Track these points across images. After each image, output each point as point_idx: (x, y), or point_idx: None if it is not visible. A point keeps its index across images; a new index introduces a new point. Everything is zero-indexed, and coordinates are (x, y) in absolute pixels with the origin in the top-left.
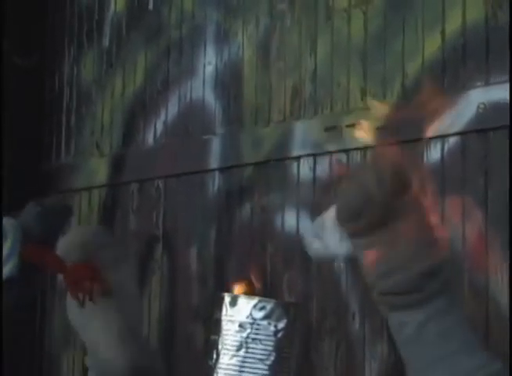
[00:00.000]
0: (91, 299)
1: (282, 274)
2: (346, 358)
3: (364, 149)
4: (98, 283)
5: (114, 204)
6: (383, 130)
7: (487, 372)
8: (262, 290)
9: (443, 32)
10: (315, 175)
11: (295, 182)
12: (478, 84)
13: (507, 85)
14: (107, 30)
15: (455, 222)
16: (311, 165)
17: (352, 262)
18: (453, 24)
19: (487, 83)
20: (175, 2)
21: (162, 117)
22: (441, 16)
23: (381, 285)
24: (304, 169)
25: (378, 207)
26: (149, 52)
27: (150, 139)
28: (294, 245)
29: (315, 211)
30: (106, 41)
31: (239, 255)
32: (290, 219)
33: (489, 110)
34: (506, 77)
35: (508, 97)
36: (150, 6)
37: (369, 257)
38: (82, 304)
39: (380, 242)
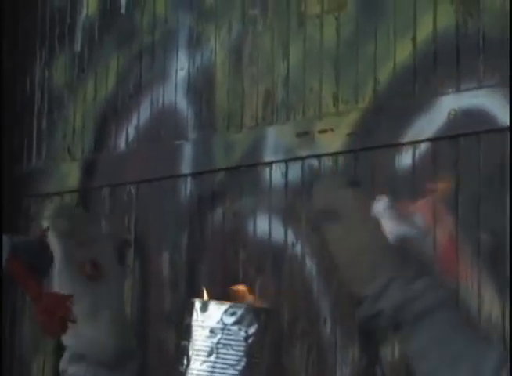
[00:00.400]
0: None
1: (254, 279)
2: (317, 362)
3: (335, 154)
4: (68, 313)
5: (86, 208)
6: (354, 136)
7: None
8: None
9: (414, 39)
10: (287, 180)
11: (267, 188)
12: (449, 90)
13: (477, 92)
14: (79, 33)
15: (426, 227)
16: (283, 171)
17: (323, 267)
18: (424, 31)
19: (457, 89)
20: (148, 7)
21: (134, 121)
22: (412, 22)
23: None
24: (276, 175)
25: None
26: (122, 56)
27: (122, 144)
28: (266, 250)
29: (287, 216)
30: (78, 45)
31: (211, 260)
32: (262, 225)
33: (460, 117)
34: (476, 83)
35: (479, 103)
36: (123, 10)
37: None
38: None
39: None
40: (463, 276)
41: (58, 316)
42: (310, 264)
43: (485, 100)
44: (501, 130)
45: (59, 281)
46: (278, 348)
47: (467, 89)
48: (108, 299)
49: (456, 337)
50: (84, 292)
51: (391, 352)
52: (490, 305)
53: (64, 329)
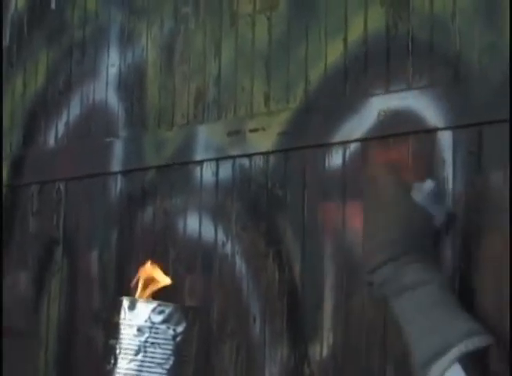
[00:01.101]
0: None
1: (183, 278)
2: (246, 361)
3: (266, 154)
4: None
5: (14, 205)
6: (285, 135)
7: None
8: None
9: (345, 40)
10: (217, 179)
11: (198, 186)
12: (379, 91)
13: (406, 93)
14: (7, 28)
15: (355, 227)
16: (214, 169)
17: (253, 265)
18: (355, 33)
19: (387, 91)
20: (79, 2)
21: (64, 118)
22: (343, 24)
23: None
24: (206, 173)
25: None
26: (51, 51)
27: (51, 141)
28: (196, 249)
29: (218, 215)
30: (6, 40)
31: (141, 259)
32: (192, 223)
33: (389, 118)
34: (405, 85)
35: (408, 104)
36: (53, 5)
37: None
38: None
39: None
40: None
41: None
42: (240, 263)
43: (414, 102)
44: (429, 131)
45: None
46: (207, 347)
47: (397, 91)
48: None
49: (433, 310)
50: None
51: (319, 351)
52: None
53: None
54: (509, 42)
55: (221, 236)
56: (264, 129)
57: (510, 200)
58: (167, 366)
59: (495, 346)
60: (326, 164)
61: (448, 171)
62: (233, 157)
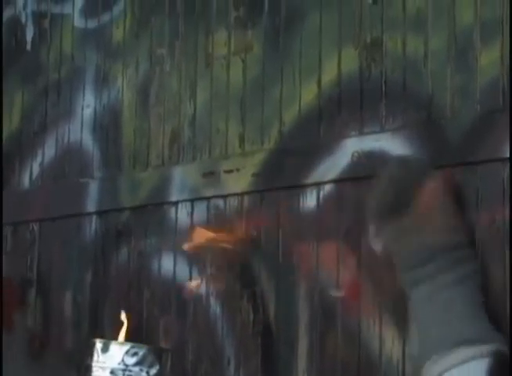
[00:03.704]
0: None
1: (158, 319)
2: None
3: (241, 194)
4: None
5: None
6: (260, 176)
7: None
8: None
9: (319, 81)
10: (192, 220)
11: (172, 227)
12: (353, 133)
13: (379, 135)
14: None
15: (330, 268)
16: (189, 210)
17: (228, 306)
18: (329, 74)
19: (361, 132)
20: (54, 43)
21: (39, 159)
22: (317, 66)
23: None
24: (181, 214)
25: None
26: (27, 92)
27: (26, 181)
28: (171, 290)
29: (192, 255)
30: None
31: (115, 300)
32: (166, 264)
33: (363, 159)
34: (379, 127)
35: (381, 146)
36: (28, 47)
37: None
38: None
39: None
40: (365, 315)
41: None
42: (214, 304)
43: (387, 143)
44: None
45: None
46: None
47: (370, 133)
48: None
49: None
50: None
51: None
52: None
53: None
54: (478, 85)
55: (195, 277)
56: (238, 170)
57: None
58: None
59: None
60: (301, 205)
61: None
62: (208, 198)
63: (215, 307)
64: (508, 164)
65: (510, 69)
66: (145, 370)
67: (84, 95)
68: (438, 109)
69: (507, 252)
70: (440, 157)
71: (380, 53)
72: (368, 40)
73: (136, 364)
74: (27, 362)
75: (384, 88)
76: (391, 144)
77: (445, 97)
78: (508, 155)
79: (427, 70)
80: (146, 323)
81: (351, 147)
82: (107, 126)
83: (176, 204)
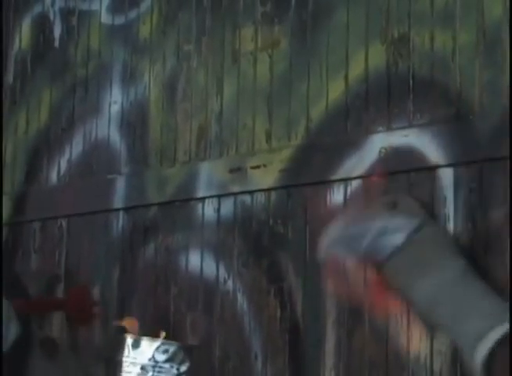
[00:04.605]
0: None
1: (185, 315)
2: None
3: (268, 190)
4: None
5: (16, 243)
6: (287, 172)
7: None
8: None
9: (346, 77)
10: (219, 216)
11: (199, 223)
12: (380, 129)
13: (407, 131)
14: (11, 66)
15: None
16: (216, 206)
17: (255, 302)
18: (356, 70)
19: (388, 128)
20: (82, 40)
21: (66, 155)
22: (344, 61)
23: None
24: (208, 210)
25: None
26: (55, 89)
27: (54, 178)
28: (198, 286)
29: (219, 251)
30: (10, 77)
31: (142, 295)
32: (194, 260)
33: (390, 155)
34: (406, 122)
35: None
36: (56, 43)
37: None
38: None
39: None
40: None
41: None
42: (241, 300)
43: (415, 139)
44: (430, 168)
45: None
46: None
47: (398, 128)
48: None
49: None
50: None
51: None
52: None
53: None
54: (509, 79)
55: (222, 273)
56: (265, 166)
57: (510, 237)
58: None
59: None
60: (328, 201)
61: (450, 209)
62: (235, 194)
63: (242, 303)
64: None
65: None
66: (175, 366)
67: (111, 92)
68: (466, 104)
69: None
70: (468, 153)
71: (408, 48)
72: (395, 35)
73: (167, 361)
74: (54, 358)
75: (411, 84)
76: (419, 140)
77: (474, 92)
78: None
79: (455, 66)
80: (173, 319)
81: (379, 143)
82: (134, 122)
83: (203, 200)
